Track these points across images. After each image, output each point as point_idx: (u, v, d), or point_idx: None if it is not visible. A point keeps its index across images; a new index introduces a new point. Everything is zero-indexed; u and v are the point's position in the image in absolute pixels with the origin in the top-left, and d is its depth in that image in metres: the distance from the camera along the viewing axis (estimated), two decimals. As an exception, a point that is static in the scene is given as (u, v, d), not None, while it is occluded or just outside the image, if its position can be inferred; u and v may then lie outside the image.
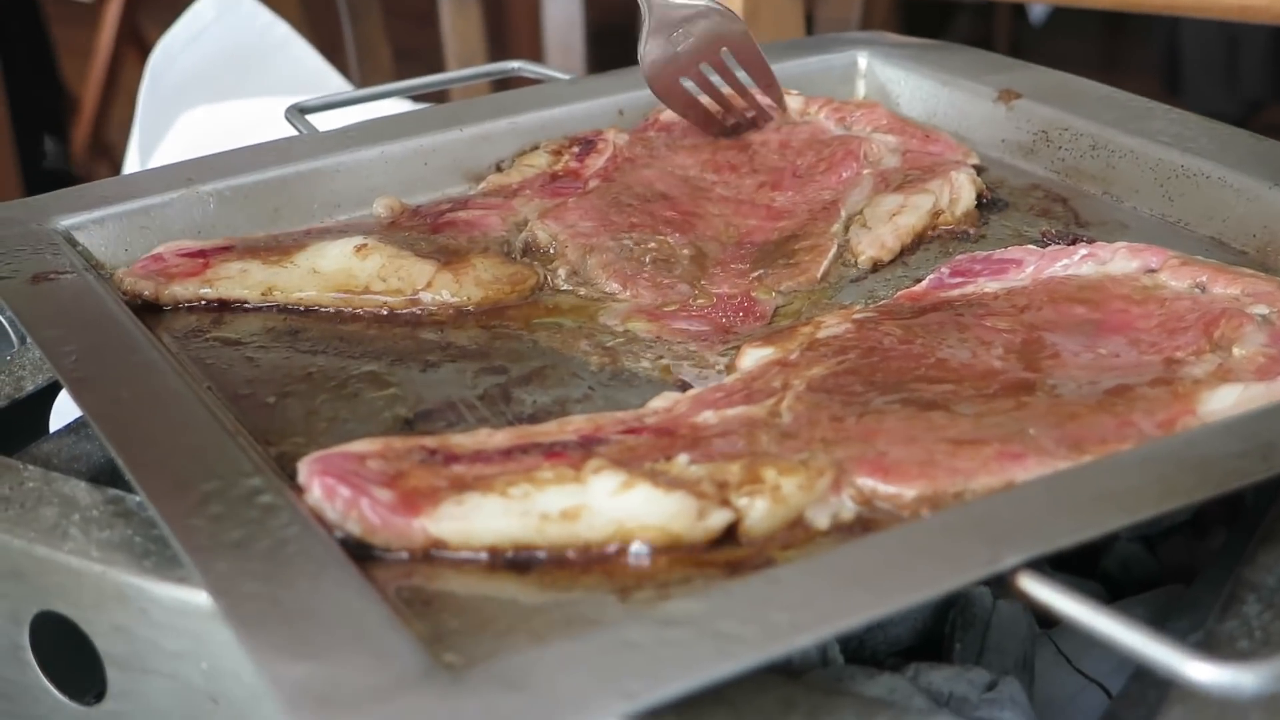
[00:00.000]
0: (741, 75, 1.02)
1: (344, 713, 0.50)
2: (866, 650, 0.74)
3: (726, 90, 1.02)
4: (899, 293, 0.83)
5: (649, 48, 0.98)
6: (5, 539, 0.68)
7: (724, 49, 1.00)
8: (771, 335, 0.79)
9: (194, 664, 0.65)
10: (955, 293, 0.83)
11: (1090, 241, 0.85)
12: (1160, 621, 0.73)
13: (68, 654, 0.71)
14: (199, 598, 0.64)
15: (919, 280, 0.85)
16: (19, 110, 2.16)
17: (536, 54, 1.68)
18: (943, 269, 0.84)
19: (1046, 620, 0.76)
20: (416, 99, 1.28)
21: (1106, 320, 0.78)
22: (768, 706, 0.57)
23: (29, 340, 0.85)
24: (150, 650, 0.66)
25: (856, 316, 0.80)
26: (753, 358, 0.77)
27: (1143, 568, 0.82)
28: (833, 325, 0.79)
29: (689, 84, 1.00)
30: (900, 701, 0.66)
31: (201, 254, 0.86)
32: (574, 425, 0.70)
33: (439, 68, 1.61)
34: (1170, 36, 2.36)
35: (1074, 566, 0.82)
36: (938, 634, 0.75)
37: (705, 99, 1.01)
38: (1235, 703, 0.55)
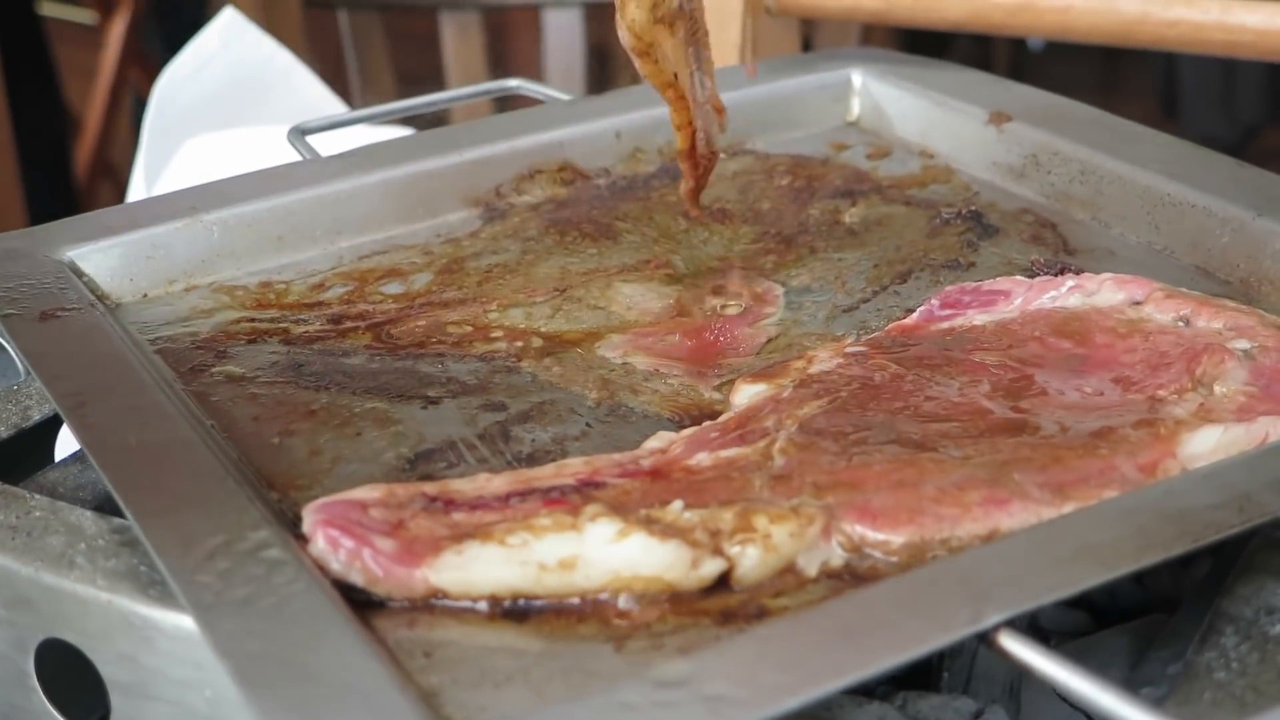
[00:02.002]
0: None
1: (348, 778, 0.52)
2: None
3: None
4: (890, 325, 0.85)
5: None
6: (12, 567, 0.70)
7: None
8: (764, 370, 0.81)
9: (198, 691, 0.67)
10: (945, 325, 0.84)
11: (1078, 272, 0.87)
12: (1143, 650, 0.74)
13: (71, 680, 0.72)
14: (203, 631, 0.65)
15: (910, 310, 0.86)
16: (23, 130, 2.18)
17: (537, 75, 1.69)
18: (933, 301, 0.86)
19: (1023, 670, 0.77)
20: (418, 119, 1.29)
21: (1092, 355, 0.80)
22: (756, 736, 0.58)
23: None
24: (154, 677, 0.68)
25: (848, 350, 0.81)
26: (746, 394, 0.79)
27: (1129, 596, 0.84)
28: (825, 360, 0.80)
29: None
30: (888, 729, 0.68)
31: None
32: (571, 469, 0.71)
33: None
34: (1168, 61, 2.37)
35: (1061, 595, 0.83)
36: (925, 663, 0.76)
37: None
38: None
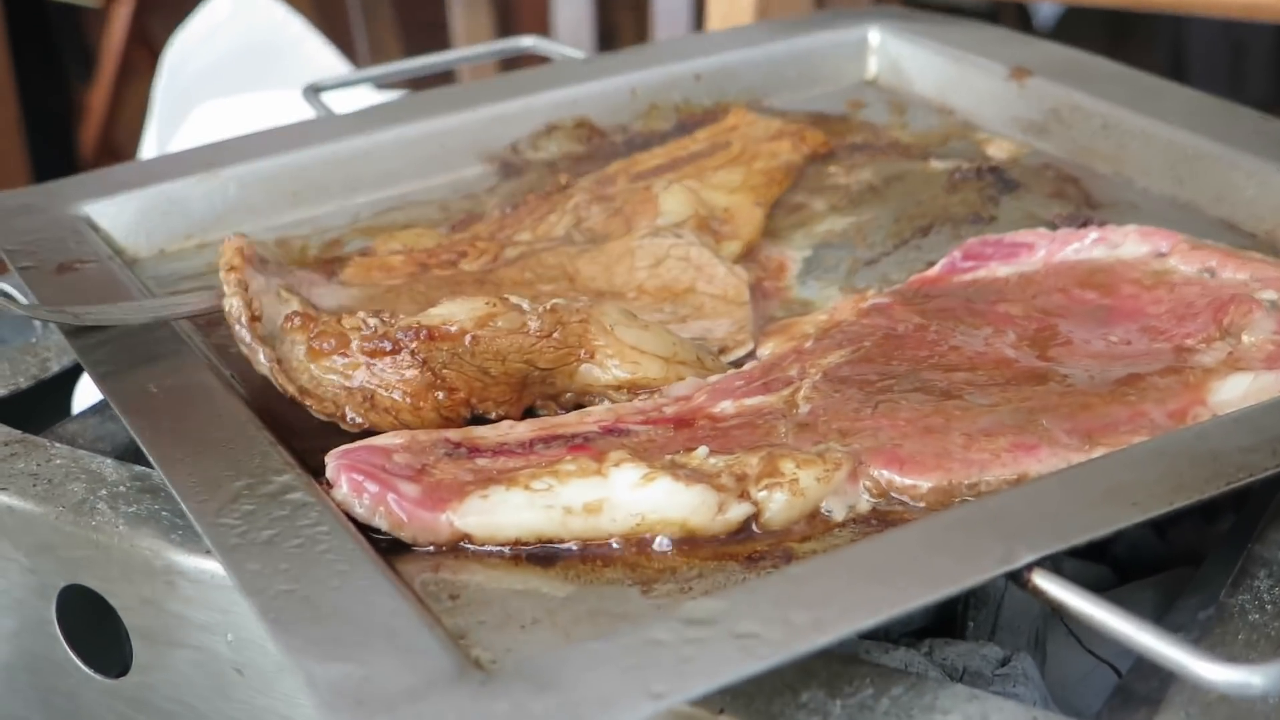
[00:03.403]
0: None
1: (379, 713, 0.52)
2: (881, 629, 0.75)
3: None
4: (912, 277, 0.84)
5: None
6: (34, 513, 0.70)
7: None
8: (787, 322, 0.80)
9: (220, 636, 0.67)
10: (968, 277, 0.84)
11: (1101, 225, 0.86)
12: (1169, 602, 0.74)
13: (93, 629, 0.72)
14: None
15: (931, 264, 0.85)
16: (30, 113, 2.18)
17: (544, 28, 1.68)
18: (955, 253, 0.85)
19: (1058, 608, 0.77)
20: (427, 81, 1.29)
21: (1118, 306, 0.79)
22: (788, 674, 0.58)
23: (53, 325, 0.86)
24: (177, 623, 0.68)
25: (871, 302, 0.81)
26: (769, 345, 0.79)
27: (1151, 551, 0.83)
28: (847, 312, 0.80)
29: None
30: (916, 673, 0.67)
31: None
32: (595, 416, 0.71)
33: (448, 72, 1.62)
34: (1176, 40, 2.37)
35: (1083, 551, 0.83)
36: (951, 613, 0.76)
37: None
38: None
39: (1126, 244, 0.84)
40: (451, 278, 0.84)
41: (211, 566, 0.66)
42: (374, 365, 0.71)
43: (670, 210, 0.90)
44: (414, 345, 0.71)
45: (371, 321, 0.71)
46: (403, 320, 0.72)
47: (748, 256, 0.88)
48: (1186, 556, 0.82)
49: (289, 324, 0.73)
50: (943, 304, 0.80)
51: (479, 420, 0.71)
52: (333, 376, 0.71)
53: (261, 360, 0.72)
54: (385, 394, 0.71)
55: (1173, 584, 0.79)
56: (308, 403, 0.71)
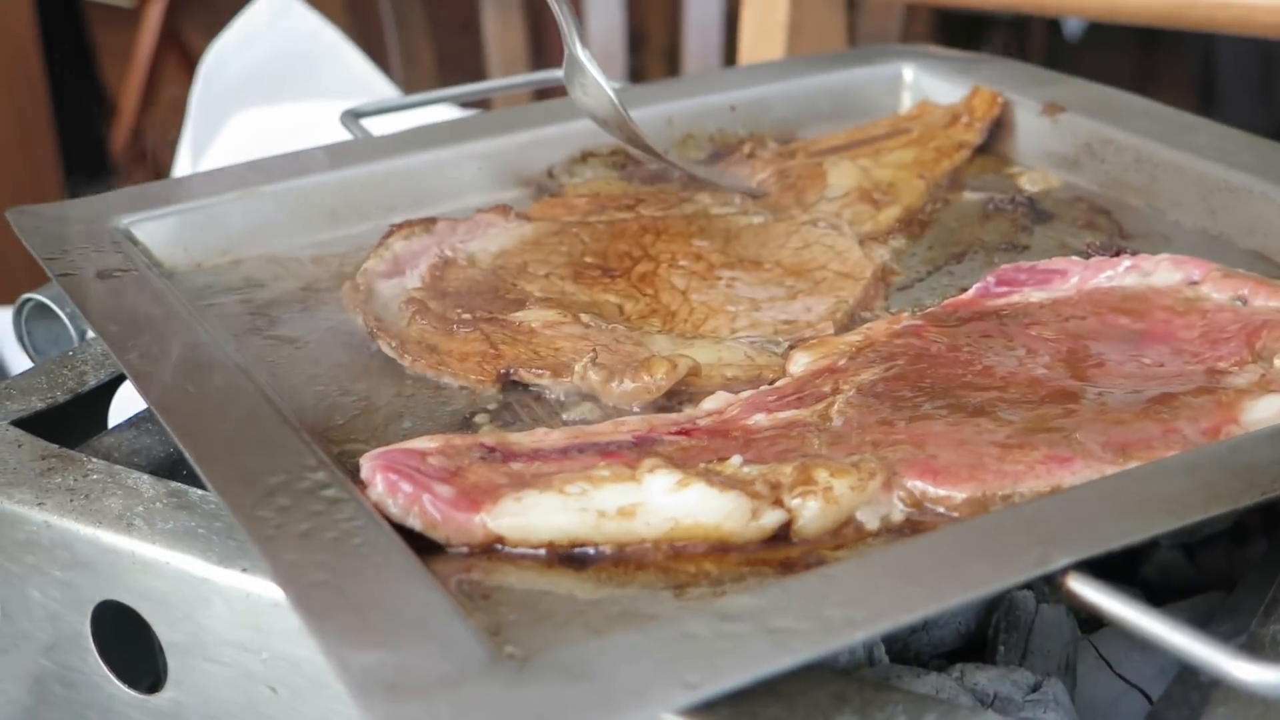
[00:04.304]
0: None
1: (412, 700, 0.51)
2: (911, 652, 0.74)
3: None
4: (945, 301, 0.84)
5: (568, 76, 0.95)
6: (72, 528, 0.70)
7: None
8: (821, 340, 0.80)
9: (255, 653, 0.66)
10: (1001, 301, 0.83)
11: (1134, 253, 0.86)
12: (1200, 626, 0.73)
13: (127, 643, 0.72)
14: (262, 588, 0.65)
15: (965, 289, 0.85)
16: (62, 113, 2.19)
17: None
18: (989, 278, 0.85)
19: (1088, 624, 0.76)
20: (461, 105, 1.30)
21: (1150, 330, 0.79)
22: (821, 701, 0.57)
23: (90, 335, 0.87)
24: (212, 639, 0.67)
25: (904, 324, 0.81)
26: (801, 362, 0.78)
27: (1183, 575, 0.83)
28: (881, 332, 0.80)
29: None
30: (948, 699, 0.67)
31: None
32: (628, 426, 0.71)
33: (480, 73, 1.63)
34: (1206, 52, 2.37)
35: (1114, 574, 0.82)
36: (981, 637, 0.75)
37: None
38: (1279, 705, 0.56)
39: (1159, 271, 0.84)
40: (625, 220, 0.92)
41: (247, 584, 0.66)
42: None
43: (836, 183, 0.96)
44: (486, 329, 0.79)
45: (466, 316, 0.80)
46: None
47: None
48: (1217, 581, 0.82)
49: (407, 307, 0.82)
50: (975, 326, 0.80)
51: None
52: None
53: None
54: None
55: (1204, 608, 0.78)
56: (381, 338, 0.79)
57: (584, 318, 0.81)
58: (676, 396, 0.76)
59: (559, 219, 0.93)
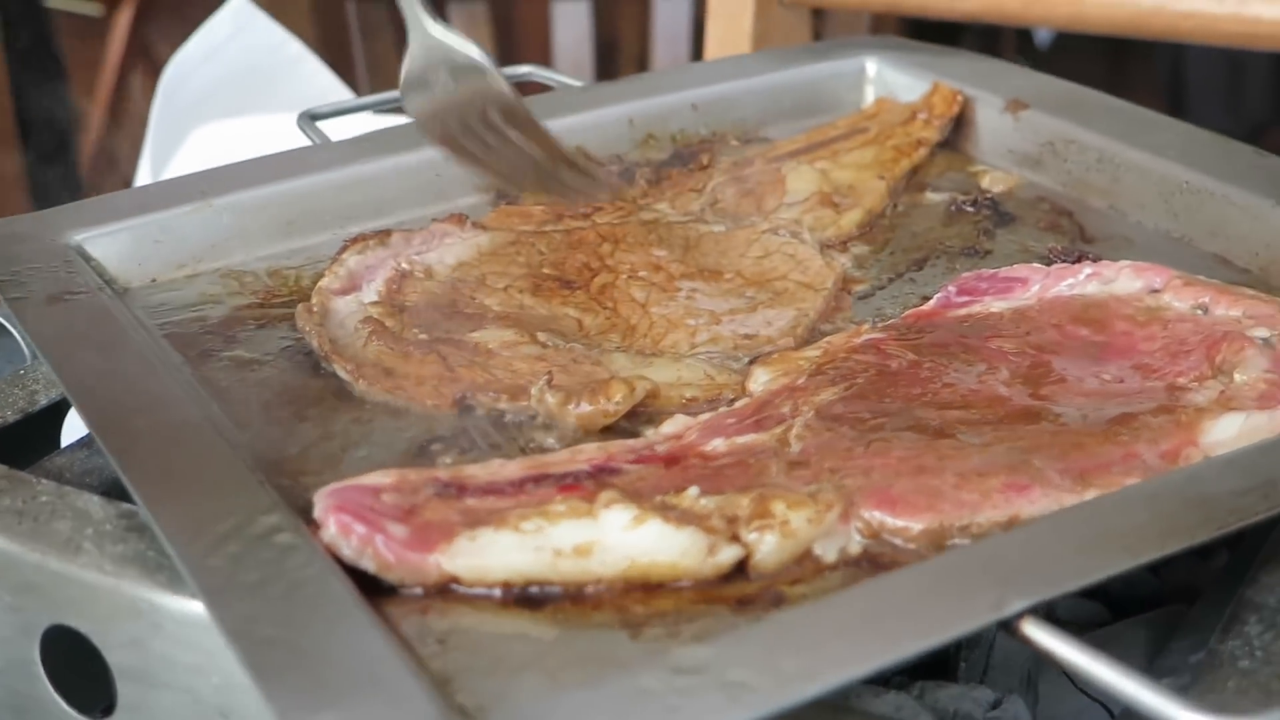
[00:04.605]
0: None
1: (361, 764, 0.51)
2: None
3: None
4: (907, 312, 0.84)
5: (411, 78, 0.89)
6: (19, 553, 0.69)
7: (489, 107, 0.89)
8: (779, 356, 0.80)
9: (206, 678, 0.66)
10: (962, 311, 0.83)
11: (1095, 260, 0.86)
12: (1162, 641, 0.73)
13: (77, 668, 0.71)
14: (211, 615, 0.64)
15: (926, 298, 0.85)
16: (28, 122, 2.17)
17: (545, 46, 1.67)
18: (950, 288, 0.85)
19: (1046, 658, 0.76)
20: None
21: (1111, 343, 0.79)
22: (775, 724, 0.57)
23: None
24: (162, 664, 0.67)
25: (864, 338, 0.80)
26: (761, 380, 0.78)
27: (1146, 588, 0.83)
28: (840, 346, 0.79)
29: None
30: (908, 718, 0.67)
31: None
32: (586, 454, 0.70)
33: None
34: (1175, 59, 2.37)
35: (1077, 586, 0.82)
36: (942, 654, 0.75)
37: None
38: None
39: (1120, 279, 0.83)
40: (581, 229, 0.91)
41: (198, 609, 0.65)
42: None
43: (796, 189, 0.96)
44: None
45: (423, 336, 0.80)
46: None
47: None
48: (1181, 593, 0.81)
49: (364, 327, 0.81)
50: (936, 339, 0.80)
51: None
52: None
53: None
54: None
55: (1166, 621, 0.78)
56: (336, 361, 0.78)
57: (541, 337, 0.80)
58: (635, 418, 0.75)
59: (515, 228, 0.92)
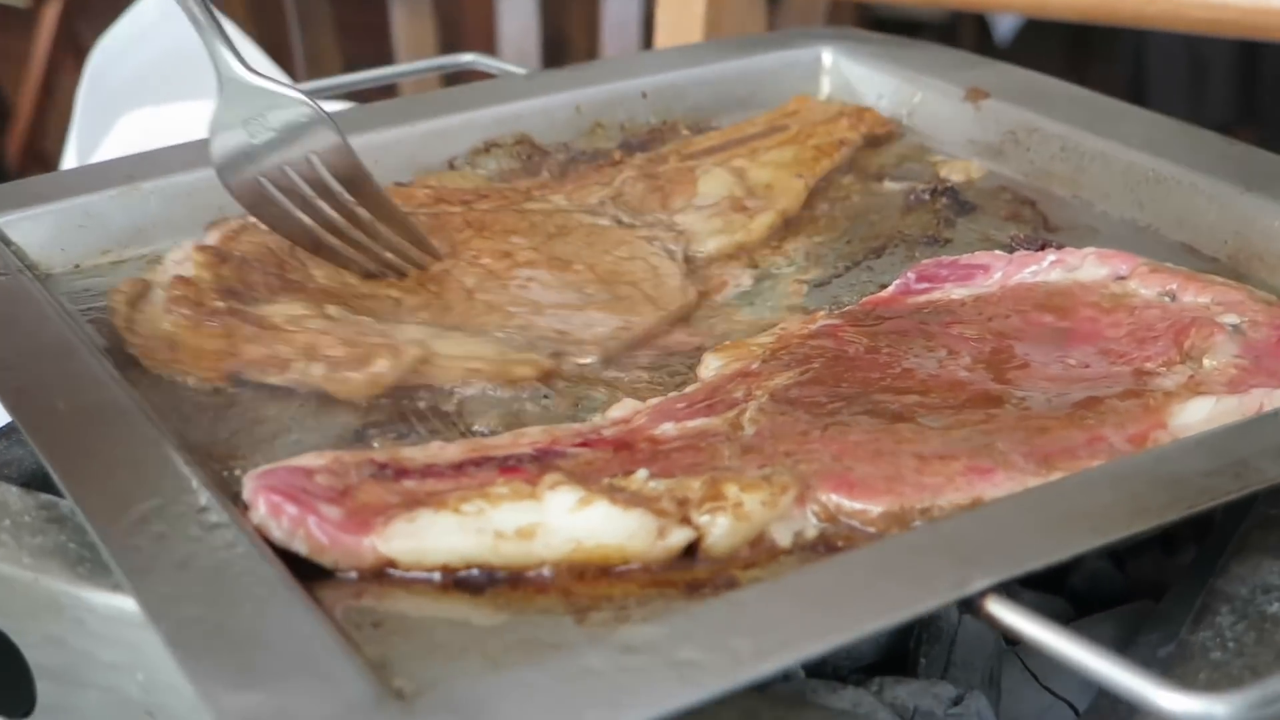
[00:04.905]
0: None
1: (291, 744, 0.50)
2: (828, 666, 0.73)
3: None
4: (864, 299, 0.83)
5: (220, 124, 0.83)
6: (-67, 546, 0.68)
7: (313, 157, 0.83)
8: (732, 343, 0.79)
9: (130, 676, 0.65)
10: (922, 299, 0.82)
11: (1059, 247, 0.85)
12: (1129, 636, 0.73)
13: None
14: (136, 607, 0.63)
15: (884, 286, 0.84)
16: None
17: (490, 35, 1.67)
18: (909, 274, 0.84)
19: (1012, 637, 0.76)
20: (365, 96, 1.27)
21: (1075, 329, 0.78)
22: (729, 717, 0.57)
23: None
24: (84, 662, 0.65)
25: (820, 324, 0.79)
26: (712, 366, 0.77)
27: (1111, 584, 0.82)
28: (795, 332, 0.79)
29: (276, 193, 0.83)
30: (866, 714, 0.66)
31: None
32: (529, 438, 0.69)
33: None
34: (1136, 56, 2.38)
35: (1040, 583, 0.82)
36: (902, 649, 0.75)
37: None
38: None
39: (1085, 266, 0.83)
40: (452, 213, 0.90)
41: (121, 602, 0.63)
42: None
43: (707, 191, 0.95)
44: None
45: (222, 305, 0.78)
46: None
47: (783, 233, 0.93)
48: (1147, 589, 0.81)
49: (172, 290, 0.80)
50: (895, 325, 0.79)
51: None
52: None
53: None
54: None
55: (1133, 617, 0.78)
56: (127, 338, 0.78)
57: (330, 310, 0.79)
58: (417, 390, 0.75)
59: None
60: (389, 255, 0.84)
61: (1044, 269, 0.84)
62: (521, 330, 0.81)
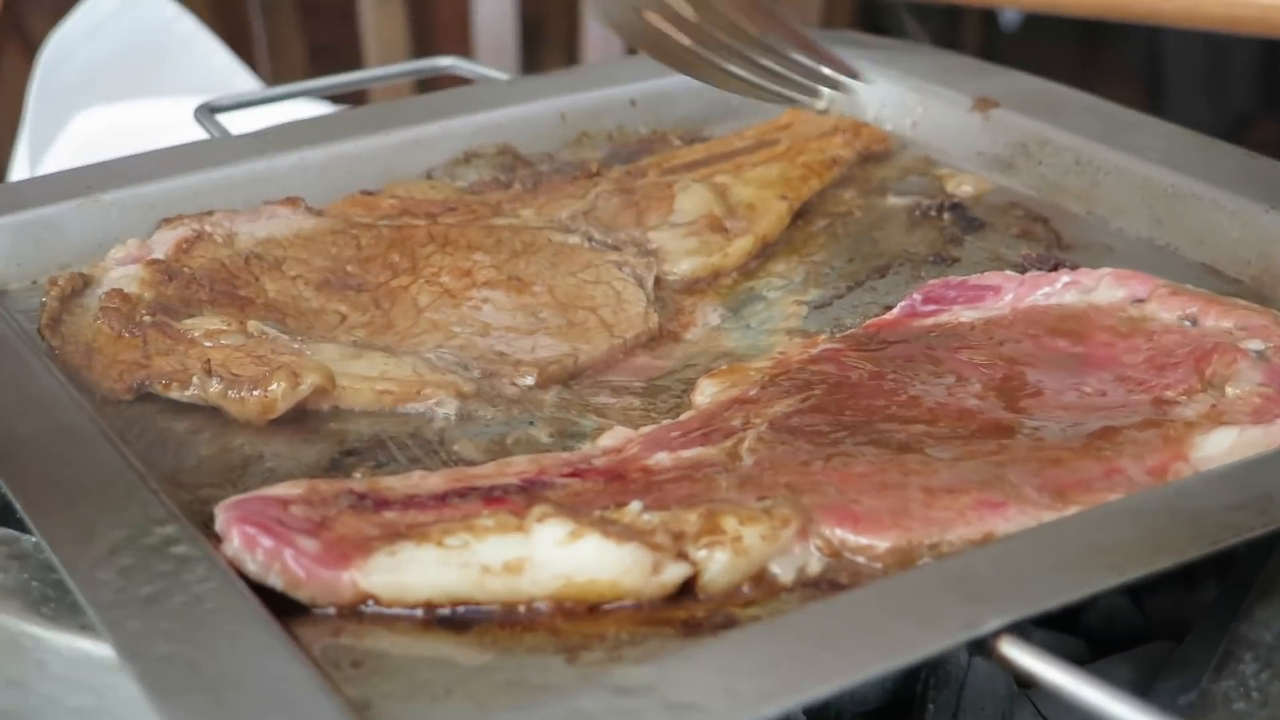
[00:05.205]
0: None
1: (270, 790, 0.51)
2: (831, 710, 0.74)
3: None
4: (868, 321, 0.84)
5: None
6: (-116, 583, 0.68)
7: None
8: (729, 368, 0.80)
9: (95, 721, 0.65)
10: (929, 321, 0.84)
11: (1073, 267, 0.87)
12: (1148, 680, 0.74)
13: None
14: (103, 650, 0.64)
15: (889, 307, 0.86)
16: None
17: (465, 53, 1.68)
18: (915, 295, 0.85)
19: (1026, 680, 0.77)
20: (335, 100, 1.28)
21: (1091, 355, 0.80)
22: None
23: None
24: (47, 706, 0.66)
25: (821, 348, 0.81)
26: (708, 392, 0.78)
27: (1129, 623, 0.83)
28: (796, 357, 0.80)
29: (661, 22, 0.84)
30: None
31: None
32: (515, 468, 0.70)
33: (356, 66, 1.61)
34: (1151, 44, 2.38)
35: (1055, 622, 0.83)
36: (908, 693, 0.75)
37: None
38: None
39: (1100, 288, 0.84)
40: (416, 226, 0.92)
41: (87, 645, 0.64)
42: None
43: (685, 208, 0.96)
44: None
45: (149, 319, 0.81)
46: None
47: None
48: (1166, 628, 0.82)
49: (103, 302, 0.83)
50: (900, 350, 0.80)
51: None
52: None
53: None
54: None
55: (1152, 658, 0.78)
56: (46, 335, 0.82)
57: (251, 325, 0.81)
58: (322, 415, 0.77)
59: (350, 218, 0.93)
60: (796, 77, 0.85)
61: (1057, 290, 0.85)
62: (459, 350, 0.82)
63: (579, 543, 0.63)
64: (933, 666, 0.75)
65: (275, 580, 0.63)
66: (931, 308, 0.85)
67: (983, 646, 0.57)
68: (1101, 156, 0.97)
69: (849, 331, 0.84)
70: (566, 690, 0.57)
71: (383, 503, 0.67)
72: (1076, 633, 0.83)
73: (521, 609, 0.63)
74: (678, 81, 1.08)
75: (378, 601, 0.63)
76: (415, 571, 0.63)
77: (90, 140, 1.30)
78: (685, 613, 0.63)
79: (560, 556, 0.63)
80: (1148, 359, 0.79)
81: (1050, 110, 1.02)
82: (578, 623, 0.62)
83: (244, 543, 0.63)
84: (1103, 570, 0.60)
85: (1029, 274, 0.86)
